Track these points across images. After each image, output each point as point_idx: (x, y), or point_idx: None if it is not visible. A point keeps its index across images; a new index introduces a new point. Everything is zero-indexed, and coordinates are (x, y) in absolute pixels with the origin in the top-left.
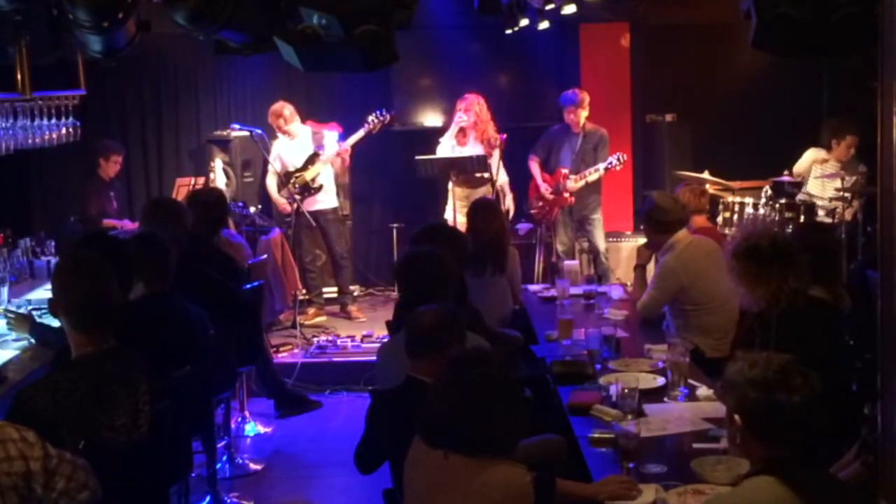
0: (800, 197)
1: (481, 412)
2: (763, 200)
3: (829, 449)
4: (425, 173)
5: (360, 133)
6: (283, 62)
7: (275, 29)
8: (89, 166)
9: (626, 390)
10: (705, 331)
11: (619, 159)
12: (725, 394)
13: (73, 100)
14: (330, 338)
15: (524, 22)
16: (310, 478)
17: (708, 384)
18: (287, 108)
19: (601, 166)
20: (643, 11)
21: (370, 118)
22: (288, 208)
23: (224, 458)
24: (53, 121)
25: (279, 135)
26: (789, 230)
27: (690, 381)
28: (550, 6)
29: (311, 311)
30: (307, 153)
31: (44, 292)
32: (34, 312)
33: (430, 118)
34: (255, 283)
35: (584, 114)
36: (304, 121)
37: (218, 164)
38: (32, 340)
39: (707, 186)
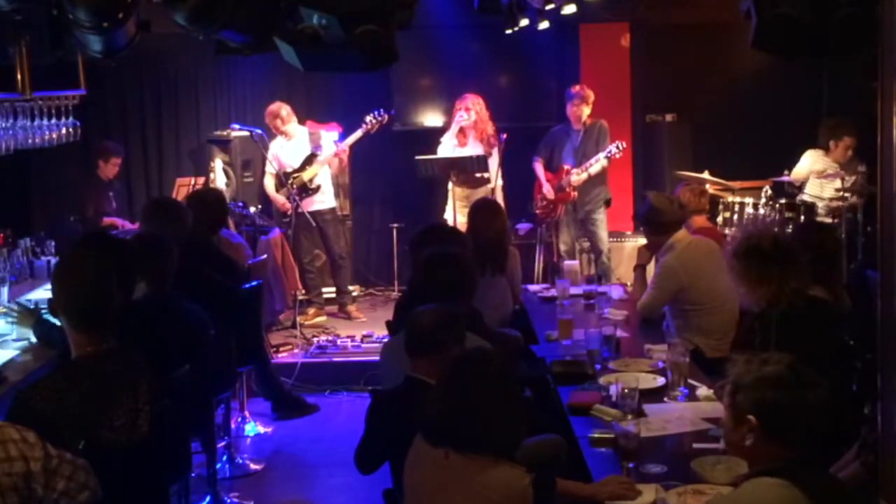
0: (800, 197)
1: (482, 412)
2: (763, 200)
3: (830, 449)
4: (425, 173)
5: (359, 133)
6: (283, 62)
7: (275, 29)
8: (89, 166)
9: (626, 390)
10: (705, 331)
11: (618, 147)
12: (733, 397)
13: (73, 100)
14: (330, 338)
15: (524, 22)
16: (310, 478)
17: (708, 384)
18: (284, 109)
19: (601, 155)
20: (643, 11)
21: (368, 118)
22: (287, 206)
23: (224, 458)
24: (53, 121)
25: (276, 135)
26: (789, 230)
27: (690, 381)
28: (550, 6)
29: (311, 311)
30: (304, 154)
31: (44, 292)
32: None
33: (430, 118)
34: (255, 283)
35: (587, 110)
36: (303, 121)
37: (218, 164)
38: (33, 339)
39: (707, 186)
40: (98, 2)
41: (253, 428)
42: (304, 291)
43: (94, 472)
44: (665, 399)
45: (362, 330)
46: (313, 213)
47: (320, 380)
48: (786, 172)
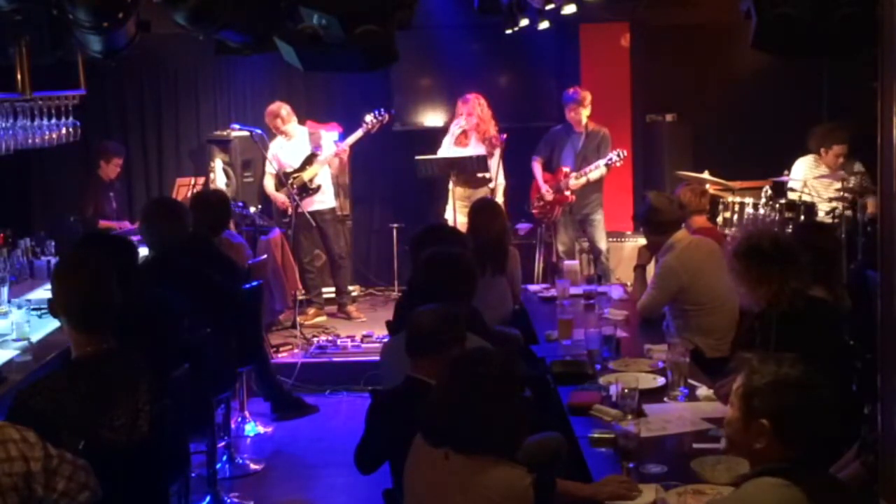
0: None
1: (483, 412)
2: (763, 200)
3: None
4: (425, 173)
5: (359, 133)
6: (283, 62)
7: (275, 29)
8: (89, 167)
9: (626, 390)
10: (705, 331)
11: (618, 155)
12: (747, 401)
13: (73, 100)
14: (330, 338)
15: (524, 22)
16: (310, 478)
17: (708, 384)
18: (284, 109)
19: (601, 162)
20: (643, 11)
21: (368, 118)
22: (287, 204)
23: (224, 458)
24: (53, 121)
25: (277, 135)
26: (789, 230)
27: (690, 381)
28: (550, 6)
29: (311, 311)
30: (304, 154)
31: (44, 292)
32: (34, 312)
33: (430, 118)
34: (255, 284)
35: (585, 112)
36: (303, 121)
37: (218, 164)
38: (33, 339)
39: (707, 186)
40: (98, 2)
41: (253, 428)
42: (304, 291)
43: (94, 472)
44: (665, 399)
45: (362, 330)
46: (313, 213)
47: (320, 380)
48: (785, 172)
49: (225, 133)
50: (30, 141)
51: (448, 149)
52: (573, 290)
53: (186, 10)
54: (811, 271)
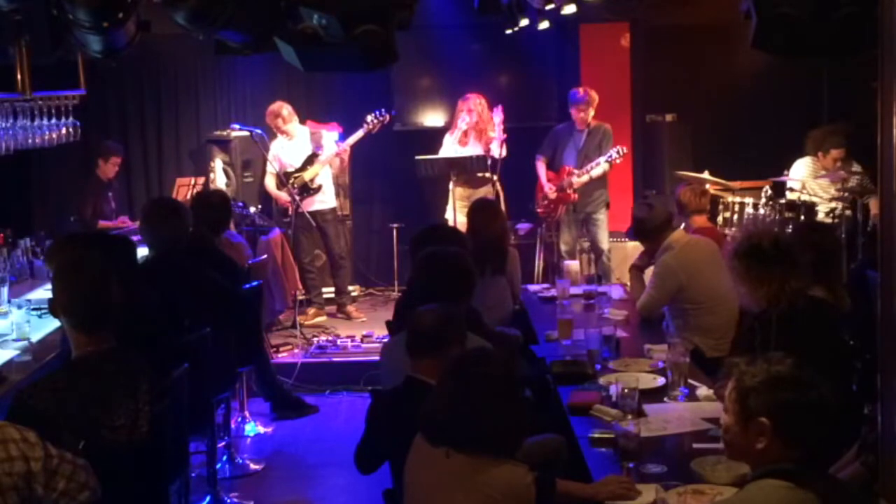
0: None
1: (483, 411)
2: (763, 200)
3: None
4: (425, 173)
5: (360, 133)
6: (283, 62)
7: (275, 29)
8: (88, 166)
9: (626, 390)
10: (705, 330)
11: (618, 152)
12: (742, 401)
13: (73, 100)
14: (330, 338)
15: (524, 22)
16: (310, 478)
17: (708, 384)
18: (285, 109)
19: (602, 159)
20: (643, 11)
21: (369, 118)
22: (288, 203)
23: (224, 458)
24: (53, 121)
25: (277, 135)
26: (789, 230)
27: (690, 381)
28: (550, 6)
29: (311, 311)
30: (305, 154)
31: (44, 292)
32: (34, 312)
33: (430, 118)
34: (255, 284)
35: (591, 113)
36: (303, 121)
37: (218, 164)
38: (33, 339)
39: (707, 186)
40: (98, 2)
41: (253, 428)
42: (304, 291)
43: (94, 472)
44: (665, 399)
45: (362, 330)
46: (314, 213)
47: (320, 380)
48: (785, 173)
49: (225, 133)
50: (30, 141)
51: (450, 147)
52: (573, 290)
53: (186, 10)
54: (811, 271)
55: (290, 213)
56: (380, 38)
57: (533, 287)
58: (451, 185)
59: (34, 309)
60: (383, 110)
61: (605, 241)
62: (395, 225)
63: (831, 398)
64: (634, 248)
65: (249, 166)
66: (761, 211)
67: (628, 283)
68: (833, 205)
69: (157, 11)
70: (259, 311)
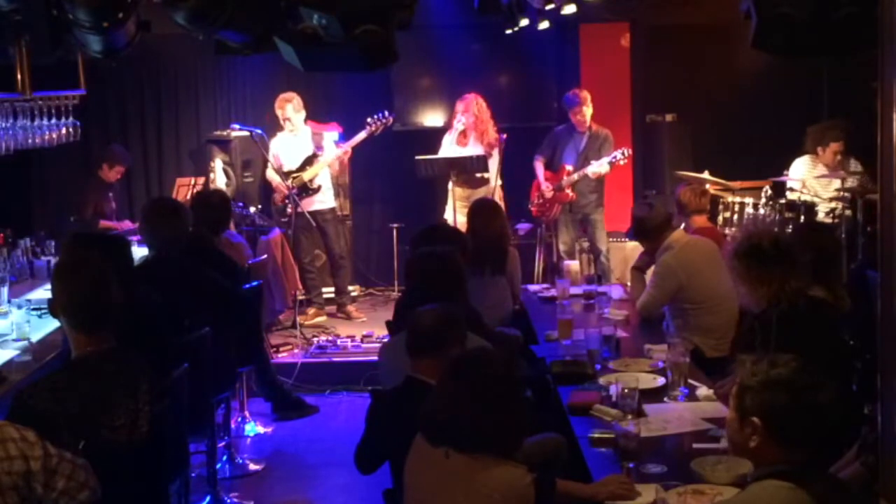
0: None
1: (483, 412)
2: (763, 200)
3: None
4: (425, 173)
5: (362, 135)
6: (283, 62)
7: (275, 29)
8: (89, 167)
9: (626, 390)
10: (705, 330)
11: (623, 154)
12: (740, 399)
13: (73, 100)
14: (330, 338)
15: (524, 22)
16: (310, 478)
17: (708, 384)
18: (297, 99)
19: (605, 160)
20: (643, 11)
21: (371, 120)
22: (286, 193)
23: (224, 458)
24: (53, 121)
25: (278, 133)
26: (789, 230)
27: (690, 381)
28: (550, 6)
29: (311, 311)
30: (305, 153)
31: (44, 292)
32: (34, 312)
33: (430, 118)
34: (255, 284)
35: (588, 112)
36: (304, 121)
37: (218, 164)
38: (33, 339)
39: (707, 186)
40: (98, 2)
41: (253, 428)
42: (304, 291)
43: (93, 471)
44: (665, 399)
45: (362, 330)
46: (314, 213)
47: (320, 380)
48: (785, 173)
49: (225, 133)
50: (30, 141)
51: (448, 148)
52: (573, 290)
53: (186, 10)
54: (811, 271)
55: (289, 212)
56: (380, 38)
57: (533, 287)
58: (450, 186)
59: (34, 309)
60: (386, 112)
61: (603, 241)
62: (395, 225)
63: (829, 403)
64: (633, 248)
65: (249, 166)
66: (761, 211)
67: (629, 284)
68: (833, 205)
69: (157, 11)
70: (259, 311)
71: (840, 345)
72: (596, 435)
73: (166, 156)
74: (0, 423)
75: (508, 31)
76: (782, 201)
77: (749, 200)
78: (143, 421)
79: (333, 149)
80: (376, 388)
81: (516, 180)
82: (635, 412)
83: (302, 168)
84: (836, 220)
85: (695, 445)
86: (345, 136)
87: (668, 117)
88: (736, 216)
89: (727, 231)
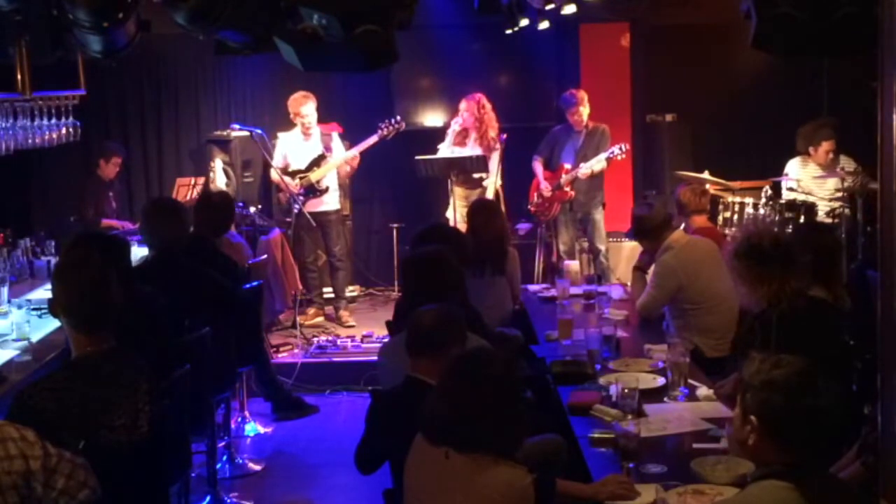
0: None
1: (483, 412)
2: (763, 200)
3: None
4: (425, 173)
5: (374, 139)
6: (283, 62)
7: (275, 29)
8: (89, 166)
9: (626, 390)
10: (705, 330)
11: (620, 149)
12: (743, 395)
13: (73, 100)
14: (330, 338)
15: (524, 22)
16: (310, 478)
17: (708, 384)
18: (314, 101)
19: (603, 156)
20: (643, 11)
21: (382, 125)
22: (294, 190)
23: (224, 458)
24: (53, 121)
25: (284, 131)
26: (789, 230)
27: (690, 381)
28: (550, 6)
29: (311, 311)
30: (315, 154)
31: (44, 292)
32: (34, 312)
33: (431, 118)
34: (255, 283)
35: (585, 111)
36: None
37: (218, 164)
38: (33, 339)
39: (707, 186)
40: (98, 2)
41: (253, 428)
42: (304, 291)
43: (93, 471)
44: (665, 399)
45: (362, 330)
46: (318, 214)
47: (320, 380)
48: (785, 173)
49: (225, 133)
50: (30, 141)
51: (447, 148)
52: (573, 290)
53: (186, 10)
54: (811, 271)
55: (294, 211)
56: (380, 38)
57: (533, 287)
58: (450, 185)
59: (34, 309)
60: (398, 117)
61: (602, 241)
62: (395, 225)
63: (827, 407)
64: (633, 247)
65: (249, 166)
66: (761, 211)
67: (629, 283)
68: (833, 205)
69: (157, 11)
70: (259, 311)
71: (840, 345)
72: (596, 435)
73: (166, 156)
74: (0, 422)
75: (508, 31)
76: (782, 201)
77: (749, 200)
78: (143, 421)
79: (342, 150)
80: (376, 389)
81: (516, 180)
82: (635, 412)
83: (309, 168)
84: (836, 220)
85: (695, 445)
86: (345, 137)
87: (668, 117)
88: (736, 216)
89: (727, 231)
